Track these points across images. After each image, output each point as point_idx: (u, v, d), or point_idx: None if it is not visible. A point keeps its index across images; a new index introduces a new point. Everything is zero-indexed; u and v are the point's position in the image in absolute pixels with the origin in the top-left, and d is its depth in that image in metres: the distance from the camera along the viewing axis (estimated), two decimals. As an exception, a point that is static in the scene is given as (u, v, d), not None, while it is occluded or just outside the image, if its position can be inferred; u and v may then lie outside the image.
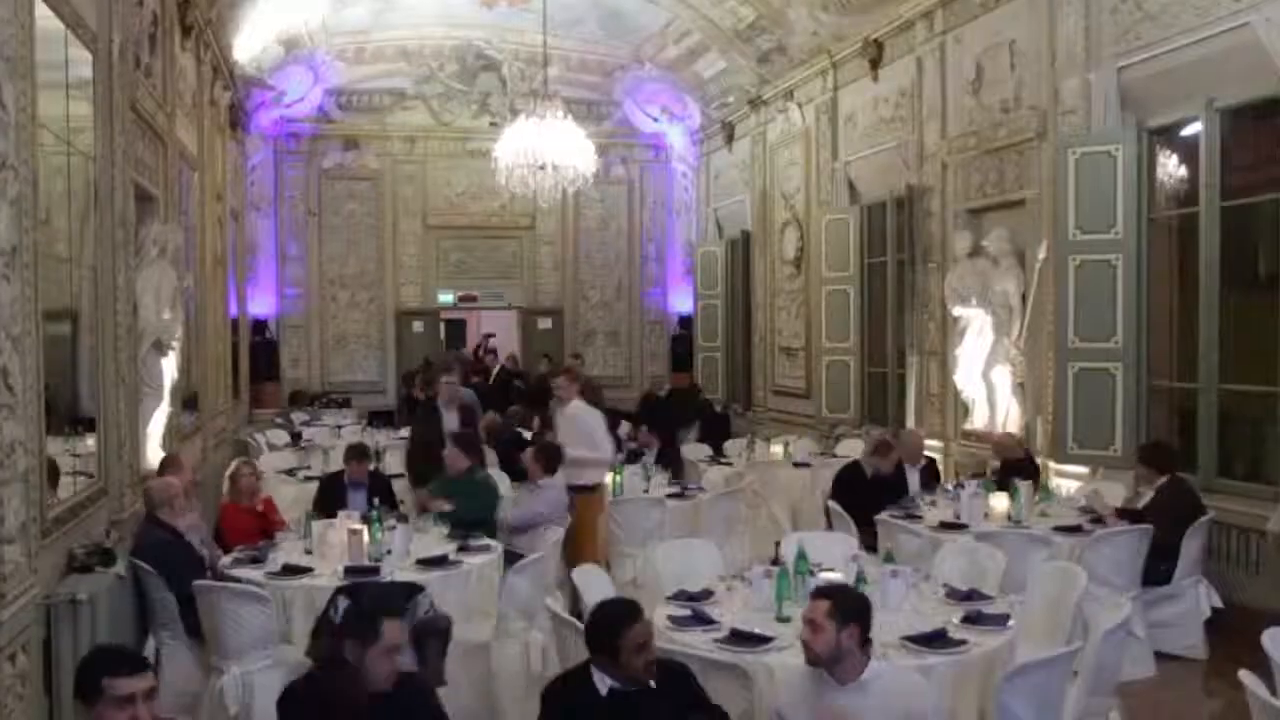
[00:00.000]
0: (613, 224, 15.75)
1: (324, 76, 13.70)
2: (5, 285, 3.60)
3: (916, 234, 9.25)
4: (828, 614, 3.16)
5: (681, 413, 12.04)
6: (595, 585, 4.46)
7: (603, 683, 3.17)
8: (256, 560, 5.17)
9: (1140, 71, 6.71)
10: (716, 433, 11.36)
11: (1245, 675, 3.13)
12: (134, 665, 2.72)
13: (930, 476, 7.31)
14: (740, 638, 3.81)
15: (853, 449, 8.40)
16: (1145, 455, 6.11)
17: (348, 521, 5.53)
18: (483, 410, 8.70)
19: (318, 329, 14.71)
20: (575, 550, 6.17)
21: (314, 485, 7.61)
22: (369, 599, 3.30)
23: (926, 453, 7.84)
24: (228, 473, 6.61)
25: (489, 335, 17.56)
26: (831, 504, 6.78)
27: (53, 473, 4.51)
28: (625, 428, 10.33)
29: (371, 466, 7.74)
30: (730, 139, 13.85)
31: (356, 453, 7.12)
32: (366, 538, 5.18)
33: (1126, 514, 5.84)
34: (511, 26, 13.09)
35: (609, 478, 7.35)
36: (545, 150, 9.78)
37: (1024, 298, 7.82)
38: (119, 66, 5.53)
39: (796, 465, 9.04)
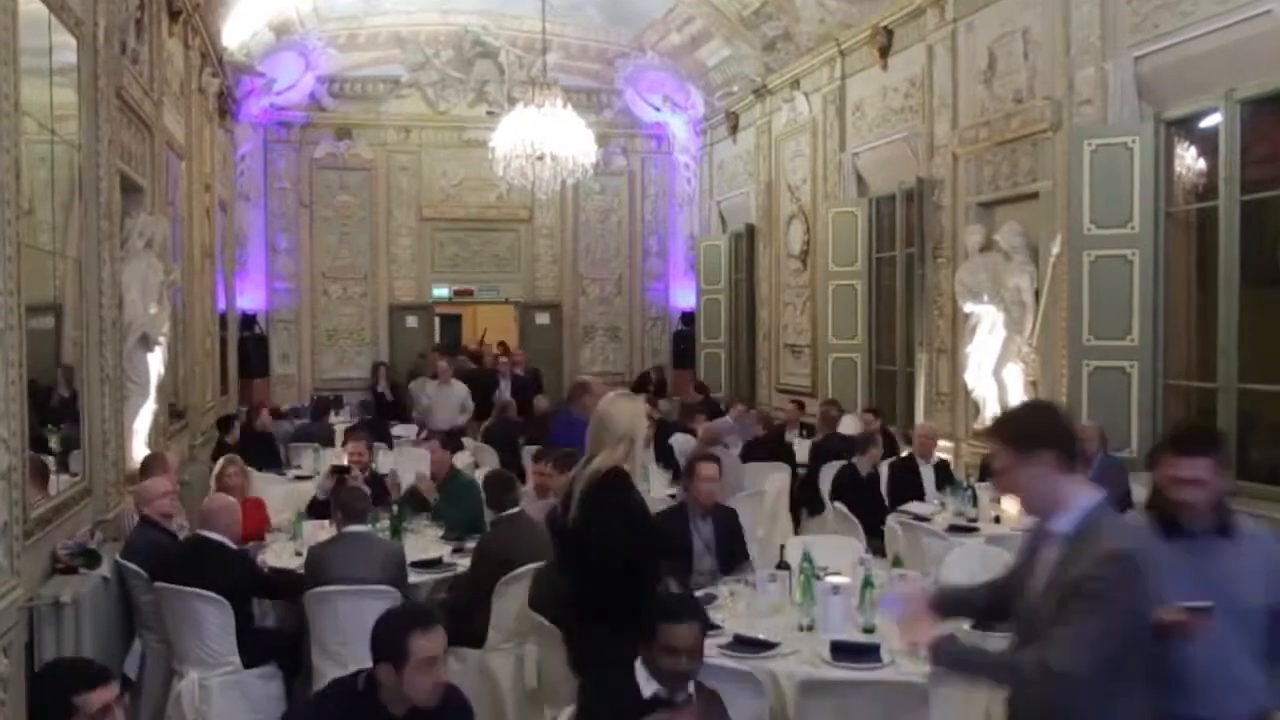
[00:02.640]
0: (613, 216, 15.74)
1: (315, 63, 13.69)
2: (-13, 278, 3.60)
3: (926, 228, 9.24)
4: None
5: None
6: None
7: (648, 684, 3.08)
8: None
9: (1158, 61, 6.70)
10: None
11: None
12: (98, 677, 2.76)
13: (943, 475, 7.32)
14: (744, 643, 3.82)
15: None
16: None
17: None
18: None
19: (309, 324, 14.70)
20: None
21: (302, 485, 7.61)
22: (398, 615, 3.14)
23: (938, 454, 7.83)
24: (214, 472, 6.62)
25: (482, 335, 17.52)
26: (838, 505, 6.80)
27: (41, 471, 4.52)
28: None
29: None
30: (734, 129, 13.84)
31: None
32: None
33: None
34: (509, 12, 13.09)
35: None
36: (544, 140, 9.79)
37: (1037, 294, 7.81)
38: (104, 52, 5.52)
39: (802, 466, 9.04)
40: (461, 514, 6.03)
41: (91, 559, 4.59)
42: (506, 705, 4.74)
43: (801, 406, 10.71)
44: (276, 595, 4.92)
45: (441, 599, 5.08)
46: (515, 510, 5.15)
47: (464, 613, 4.86)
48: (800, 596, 4.27)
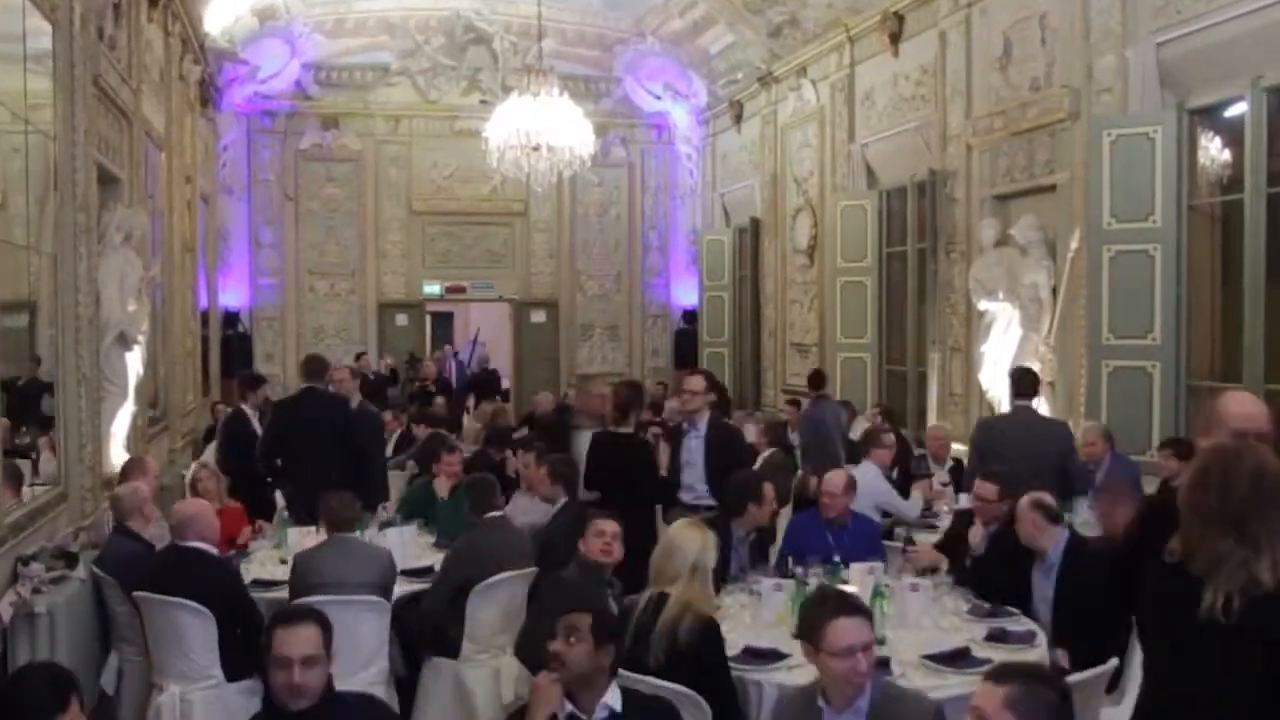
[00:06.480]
0: (612, 210, 15.73)
1: (301, 50, 13.69)
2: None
3: (939, 222, 9.23)
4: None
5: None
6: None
7: (563, 706, 3.02)
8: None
9: (1181, 48, 6.69)
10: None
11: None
12: (61, 699, 2.59)
13: (958, 478, 7.32)
14: (753, 654, 3.82)
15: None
16: (1173, 444, 6.05)
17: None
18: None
19: (294, 322, 14.69)
20: None
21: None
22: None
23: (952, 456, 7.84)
24: (187, 478, 6.60)
25: (476, 335, 17.51)
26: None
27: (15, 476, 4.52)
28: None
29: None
30: (738, 119, 13.84)
31: None
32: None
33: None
34: (503, -3, 13.10)
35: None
36: (540, 130, 9.77)
37: (1054, 290, 7.81)
38: (81, 39, 5.52)
39: (808, 470, 9.05)
40: (461, 521, 6.01)
41: (70, 561, 4.60)
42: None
43: (798, 405, 10.77)
44: (256, 617, 4.84)
45: (419, 608, 5.05)
46: (497, 515, 5.17)
47: (438, 620, 4.83)
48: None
